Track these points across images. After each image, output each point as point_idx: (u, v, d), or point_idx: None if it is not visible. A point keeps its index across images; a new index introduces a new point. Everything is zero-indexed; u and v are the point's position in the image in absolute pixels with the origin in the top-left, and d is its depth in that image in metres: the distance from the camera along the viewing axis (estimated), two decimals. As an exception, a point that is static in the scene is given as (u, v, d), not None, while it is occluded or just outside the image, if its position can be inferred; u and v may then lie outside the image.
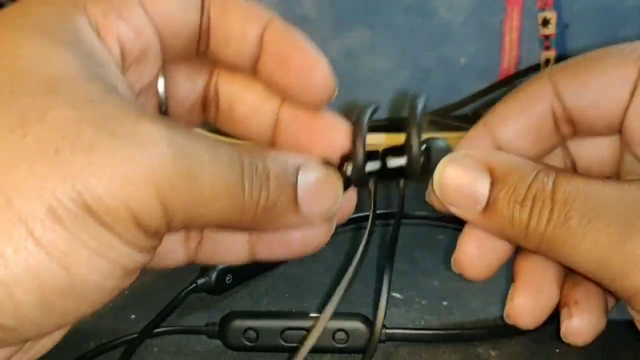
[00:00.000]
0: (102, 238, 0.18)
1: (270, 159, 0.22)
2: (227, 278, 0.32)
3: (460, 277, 0.27)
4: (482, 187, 0.23)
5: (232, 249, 0.25)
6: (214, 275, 0.32)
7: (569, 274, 0.26)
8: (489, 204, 0.22)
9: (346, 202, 0.25)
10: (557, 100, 0.25)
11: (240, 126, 0.26)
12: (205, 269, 0.32)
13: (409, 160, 0.24)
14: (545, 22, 0.68)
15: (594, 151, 0.26)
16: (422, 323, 0.30)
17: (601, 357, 0.27)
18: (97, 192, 0.18)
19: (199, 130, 0.21)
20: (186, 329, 0.30)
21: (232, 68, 0.25)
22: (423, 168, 0.24)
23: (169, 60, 0.25)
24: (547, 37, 0.68)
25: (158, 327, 0.29)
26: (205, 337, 0.29)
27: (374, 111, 0.26)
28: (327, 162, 0.24)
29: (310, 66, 0.24)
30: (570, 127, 0.26)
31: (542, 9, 0.68)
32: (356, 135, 0.24)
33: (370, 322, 0.28)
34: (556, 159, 0.27)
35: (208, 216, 0.20)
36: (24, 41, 0.20)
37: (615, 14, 0.69)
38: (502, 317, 0.26)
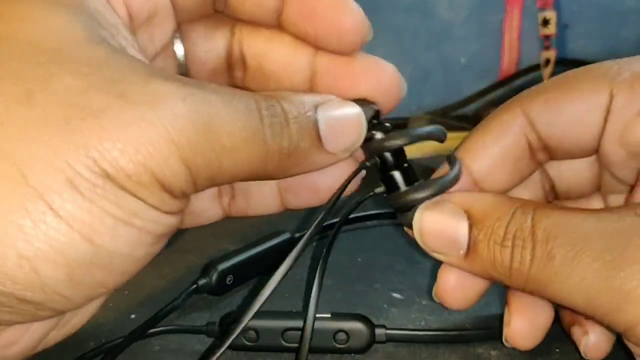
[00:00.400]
0: (126, 205, 0.18)
1: (286, 101, 0.21)
2: (228, 279, 0.32)
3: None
4: (462, 231, 0.22)
5: (263, 201, 0.25)
6: (214, 276, 0.32)
7: None
8: (470, 248, 0.22)
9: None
10: (530, 129, 0.25)
11: (273, 84, 0.25)
12: (206, 270, 0.32)
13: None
14: (545, 22, 0.68)
15: (572, 172, 0.26)
16: (422, 323, 0.30)
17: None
18: (113, 157, 0.17)
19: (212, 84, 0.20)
20: (186, 328, 0.30)
21: (255, 23, 0.24)
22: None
23: (184, 21, 0.24)
24: (547, 36, 0.68)
25: (154, 327, 0.28)
26: (206, 336, 0.29)
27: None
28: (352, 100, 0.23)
29: (339, 11, 0.23)
30: (545, 153, 0.25)
31: (542, 9, 0.68)
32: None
33: (371, 323, 0.28)
34: (534, 182, 0.26)
35: (233, 169, 0.20)
36: (24, 6, 0.19)
37: (615, 14, 0.69)
38: (502, 317, 0.26)
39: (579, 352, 0.27)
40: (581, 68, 0.25)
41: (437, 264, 0.33)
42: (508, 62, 0.70)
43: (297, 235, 0.36)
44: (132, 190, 0.18)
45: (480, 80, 0.69)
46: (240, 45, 0.25)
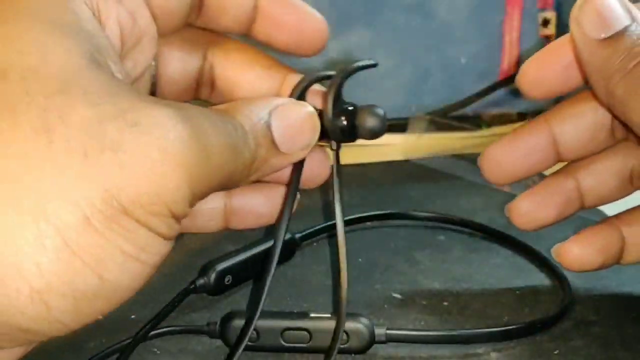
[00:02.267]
0: (137, 239, 0.18)
1: (238, 113, 0.22)
2: (227, 279, 0.32)
3: (462, 275, 0.28)
4: (624, 20, 0.24)
5: (208, 222, 0.27)
6: (212, 276, 0.32)
7: None
8: (613, 36, 0.24)
9: (318, 163, 0.26)
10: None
11: None
12: (204, 270, 0.32)
13: (326, 122, 0.24)
14: (546, 22, 0.68)
15: None
16: (422, 324, 0.30)
17: (600, 358, 0.27)
18: (130, 190, 0.18)
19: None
20: (187, 328, 0.30)
21: (225, 39, 0.26)
22: (345, 130, 0.24)
23: (161, 44, 0.25)
24: (547, 37, 0.68)
25: (154, 329, 0.28)
26: (207, 337, 0.29)
27: (363, 67, 0.27)
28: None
29: (304, 22, 0.25)
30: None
31: (542, 9, 0.68)
32: (330, 87, 0.24)
33: (371, 324, 0.28)
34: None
35: (218, 185, 0.21)
36: (24, 32, 0.19)
37: (616, 14, 0.69)
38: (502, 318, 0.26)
39: (578, 351, 0.27)
40: None
41: (437, 264, 0.33)
42: (508, 63, 0.70)
43: (298, 235, 0.36)
44: (145, 221, 0.18)
45: (481, 81, 0.69)
46: (212, 69, 0.26)
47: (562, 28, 0.69)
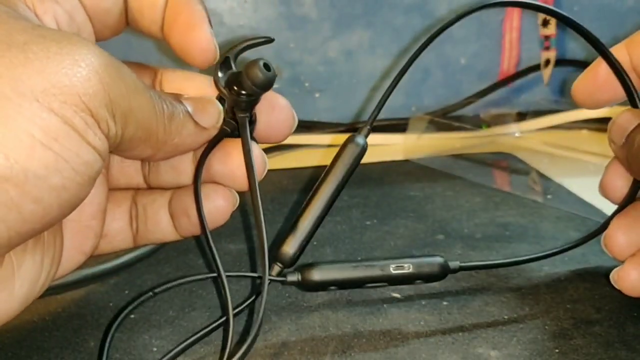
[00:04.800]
0: (47, 126, 0.20)
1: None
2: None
3: (462, 275, 0.28)
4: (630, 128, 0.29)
5: (159, 225, 0.29)
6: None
7: None
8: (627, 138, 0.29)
9: (258, 158, 0.28)
10: None
11: None
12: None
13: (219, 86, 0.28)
14: (545, 22, 0.68)
15: None
16: (422, 323, 0.30)
17: (601, 357, 0.27)
18: (40, 79, 0.19)
19: None
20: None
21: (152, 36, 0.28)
22: (242, 96, 0.27)
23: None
24: (547, 37, 0.68)
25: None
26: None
27: (255, 44, 0.29)
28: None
29: (192, 27, 0.26)
30: None
31: (542, 9, 0.68)
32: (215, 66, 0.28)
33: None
34: None
35: (137, 114, 0.23)
36: None
37: (616, 14, 0.69)
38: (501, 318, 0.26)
39: (578, 351, 0.27)
40: None
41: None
42: (508, 63, 0.70)
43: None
44: (58, 110, 0.20)
45: (480, 81, 0.69)
46: (162, 84, 0.29)
47: (562, 28, 0.69)
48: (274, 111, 0.29)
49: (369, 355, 0.27)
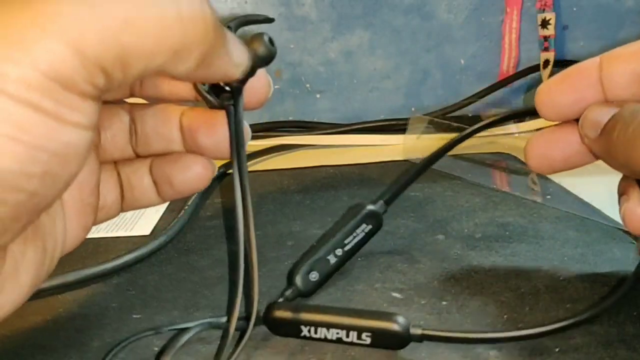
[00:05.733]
0: (11, 119, 0.18)
1: None
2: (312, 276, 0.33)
3: (462, 274, 0.27)
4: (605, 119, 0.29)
5: (145, 193, 0.30)
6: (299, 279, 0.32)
7: None
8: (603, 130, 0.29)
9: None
10: None
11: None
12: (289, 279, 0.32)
13: None
14: (545, 23, 0.68)
15: None
16: (422, 323, 0.30)
17: (601, 356, 0.27)
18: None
19: None
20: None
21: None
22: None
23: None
24: (546, 38, 0.68)
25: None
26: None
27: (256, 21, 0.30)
28: None
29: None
30: None
31: (542, 10, 0.68)
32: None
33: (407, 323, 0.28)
34: None
35: (144, 44, 0.19)
36: None
37: (615, 15, 0.69)
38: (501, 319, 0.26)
39: (577, 350, 0.27)
40: None
41: (437, 263, 0.33)
42: (507, 63, 0.70)
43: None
44: (21, 97, 0.18)
45: (480, 82, 0.70)
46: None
47: (562, 29, 0.69)
48: (252, 79, 0.28)
49: (369, 354, 0.27)
